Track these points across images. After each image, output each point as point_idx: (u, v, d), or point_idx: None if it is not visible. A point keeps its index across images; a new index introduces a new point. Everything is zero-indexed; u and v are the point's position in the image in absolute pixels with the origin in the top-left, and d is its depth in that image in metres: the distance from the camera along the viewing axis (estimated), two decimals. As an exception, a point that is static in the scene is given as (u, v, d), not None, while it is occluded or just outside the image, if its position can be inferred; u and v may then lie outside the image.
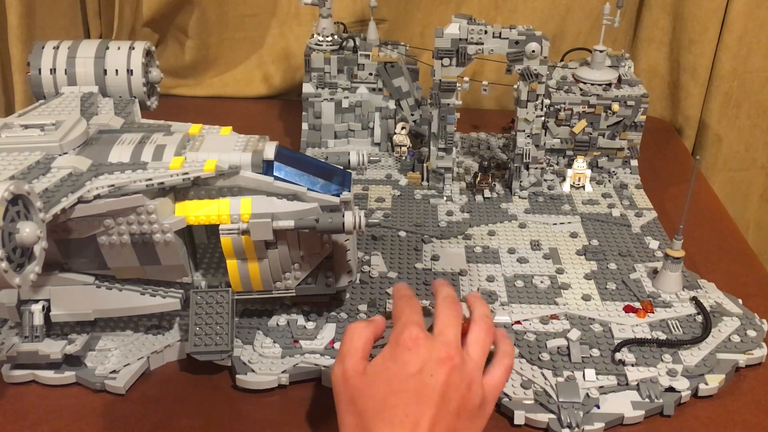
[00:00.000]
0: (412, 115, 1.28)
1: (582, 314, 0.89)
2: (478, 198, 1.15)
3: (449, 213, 1.11)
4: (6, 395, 0.80)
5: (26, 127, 0.77)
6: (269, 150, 0.78)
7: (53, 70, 0.91)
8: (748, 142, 1.52)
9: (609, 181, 1.20)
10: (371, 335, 0.70)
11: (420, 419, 0.61)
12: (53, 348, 0.79)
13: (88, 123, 0.81)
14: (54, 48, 0.91)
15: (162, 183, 0.73)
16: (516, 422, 0.76)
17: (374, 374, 0.65)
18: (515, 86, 1.11)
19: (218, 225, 0.76)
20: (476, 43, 1.05)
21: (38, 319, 0.79)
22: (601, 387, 0.79)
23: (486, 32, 1.04)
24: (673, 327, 0.87)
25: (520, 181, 1.16)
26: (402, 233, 1.06)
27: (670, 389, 0.79)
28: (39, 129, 0.76)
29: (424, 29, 1.51)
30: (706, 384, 0.80)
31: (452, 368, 0.64)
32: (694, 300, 0.91)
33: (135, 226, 0.74)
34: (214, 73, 1.58)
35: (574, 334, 0.84)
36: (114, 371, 0.80)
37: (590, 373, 0.80)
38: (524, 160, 1.15)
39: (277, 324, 0.86)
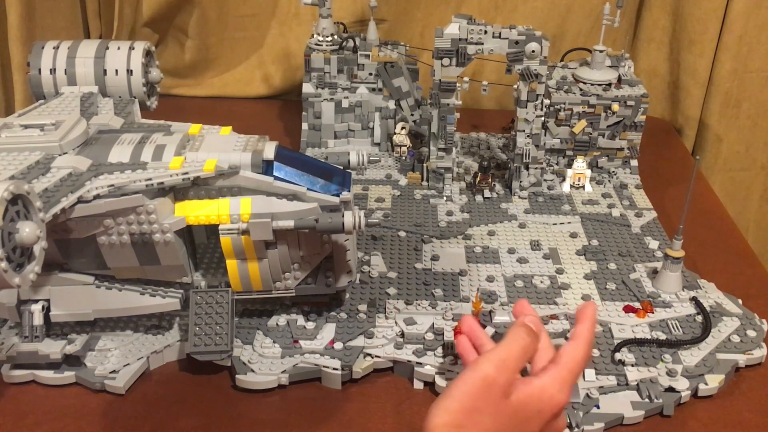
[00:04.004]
0: (412, 115, 1.28)
1: (582, 314, 0.89)
2: (478, 198, 1.15)
3: (449, 213, 1.11)
4: (6, 395, 0.80)
5: (26, 127, 0.77)
6: (269, 150, 0.78)
7: (53, 70, 0.91)
8: (748, 142, 1.52)
9: (609, 181, 1.20)
10: (531, 356, 0.63)
11: None
12: (53, 348, 0.79)
13: (87, 123, 0.81)
14: (54, 48, 0.91)
15: (162, 183, 0.73)
16: (516, 422, 0.76)
17: (513, 407, 0.58)
18: (515, 86, 1.11)
19: (218, 225, 0.76)
20: (476, 43, 1.05)
21: (38, 319, 0.79)
22: (601, 387, 0.79)
23: (486, 32, 1.04)
24: (673, 327, 0.87)
25: (520, 181, 1.16)
26: (402, 233, 1.06)
27: (670, 389, 0.79)
28: (39, 129, 0.76)
29: (424, 29, 1.51)
30: (706, 384, 0.80)
31: None
32: (694, 300, 0.91)
33: (135, 226, 0.74)
34: (214, 73, 1.58)
35: (574, 334, 0.84)
36: (114, 371, 0.80)
37: (590, 373, 0.80)
38: (524, 160, 1.15)
39: (277, 324, 0.86)
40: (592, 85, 1.19)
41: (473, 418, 0.56)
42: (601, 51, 1.19)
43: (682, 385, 0.79)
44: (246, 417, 0.78)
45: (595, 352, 0.83)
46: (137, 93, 0.93)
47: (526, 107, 1.10)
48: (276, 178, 0.77)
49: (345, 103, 1.25)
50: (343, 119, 1.27)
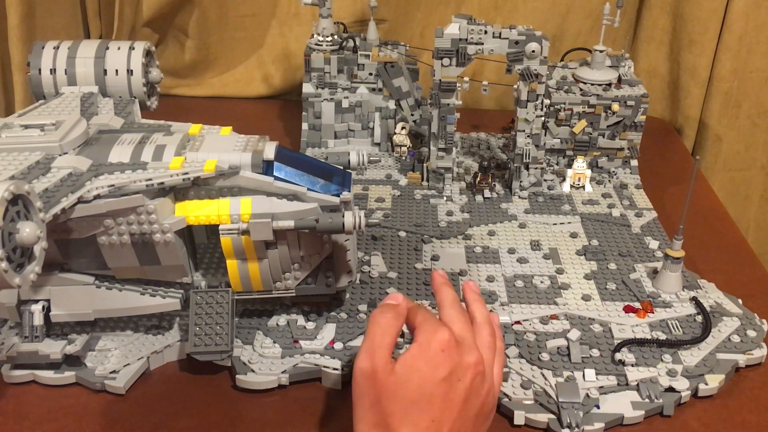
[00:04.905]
0: (412, 115, 1.28)
1: (582, 314, 0.89)
2: (478, 198, 1.15)
3: (449, 213, 1.11)
4: (6, 395, 0.80)
5: (26, 127, 0.77)
6: (269, 150, 0.78)
7: (53, 70, 0.91)
8: (748, 142, 1.52)
9: (609, 181, 1.20)
10: (399, 330, 0.66)
11: (443, 424, 0.61)
12: (53, 348, 0.79)
13: (88, 123, 0.81)
14: (54, 48, 0.91)
15: (162, 183, 0.73)
16: (516, 422, 0.76)
17: (405, 375, 0.62)
18: (515, 86, 1.11)
19: (218, 225, 0.76)
20: (476, 43, 1.05)
21: (38, 319, 0.79)
22: (601, 387, 0.79)
23: (486, 32, 1.04)
24: (673, 327, 0.87)
25: (520, 181, 1.16)
26: (402, 233, 1.06)
27: (670, 389, 0.79)
28: (39, 129, 0.76)
29: (424, 29, 1.51)
30: (706, 384, 0.80)
31: (477, 373, 0.64)
32: (694, 300, 0.91)
33: (135, 226, 0.74)
34: (214, 73, 1.58)
35: (574, 334, 0.84)
36: (114, 371, 0.80)
37: (590, 373, 0.80)
38: (524, 160, 1.15)
39: (277, 324, 0.86)
40: (592, 85, 1.19)
41: (380, 410, 0.61)
42: (601, 51, 1.19)
43: (682, 385, 0.79)
44: (246, 417, 0.78)
45: (596, 352, 0.83)
46: (137, 93, 0.93)
47: (526, 107, 1.10)
48: (276, 178, 0.77)
49: (345, 103, 1.25)
50: (343, 119, 1.27)
